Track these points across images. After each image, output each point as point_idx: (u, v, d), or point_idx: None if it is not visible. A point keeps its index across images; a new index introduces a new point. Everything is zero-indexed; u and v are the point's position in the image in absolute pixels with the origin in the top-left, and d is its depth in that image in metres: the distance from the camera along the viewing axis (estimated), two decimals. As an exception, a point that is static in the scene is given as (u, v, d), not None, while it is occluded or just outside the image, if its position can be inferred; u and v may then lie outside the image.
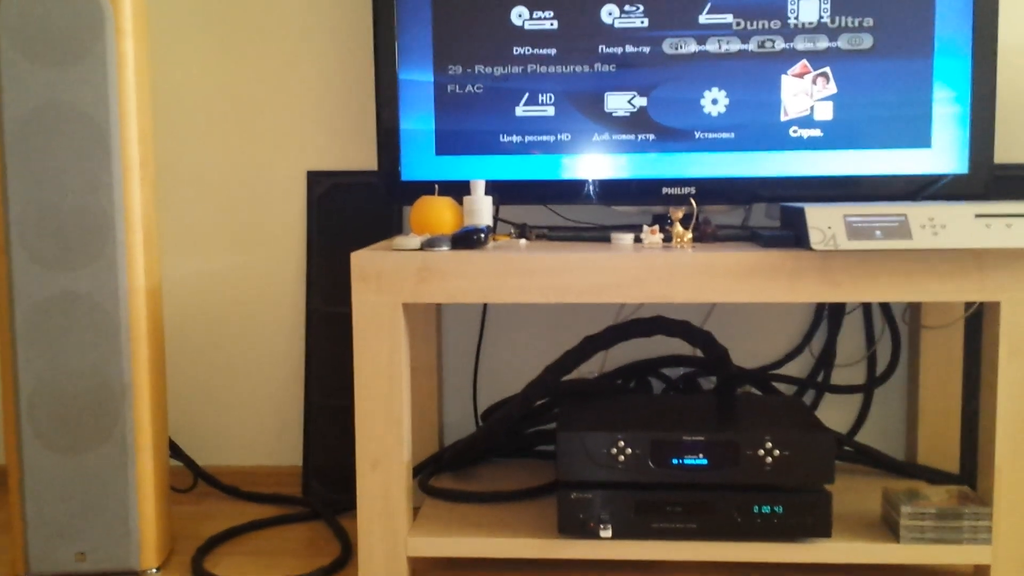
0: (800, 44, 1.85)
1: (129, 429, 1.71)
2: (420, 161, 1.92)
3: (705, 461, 1.66)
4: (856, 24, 1.84)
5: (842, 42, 1.85)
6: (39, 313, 1.69)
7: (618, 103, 1.88)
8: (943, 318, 2.01)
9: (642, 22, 1.86)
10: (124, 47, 1.68)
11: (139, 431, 1.73)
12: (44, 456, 1.71)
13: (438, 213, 1.77)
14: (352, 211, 2.18)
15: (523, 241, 1.83)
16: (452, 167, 1.91)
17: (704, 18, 1.86)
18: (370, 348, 1.66)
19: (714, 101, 1.87)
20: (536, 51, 1.88)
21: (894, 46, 1.84)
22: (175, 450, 2.16)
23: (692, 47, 1.86)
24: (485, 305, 2.19)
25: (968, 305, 1.99)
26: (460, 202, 1.79)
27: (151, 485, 1.75)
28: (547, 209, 2.10)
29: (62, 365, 1.70)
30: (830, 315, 2.11)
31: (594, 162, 1.90)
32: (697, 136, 1.88)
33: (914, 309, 2.07)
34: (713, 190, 1.89)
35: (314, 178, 2.20)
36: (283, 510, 2.12)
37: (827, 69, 1.85)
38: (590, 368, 2.17)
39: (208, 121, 2.22)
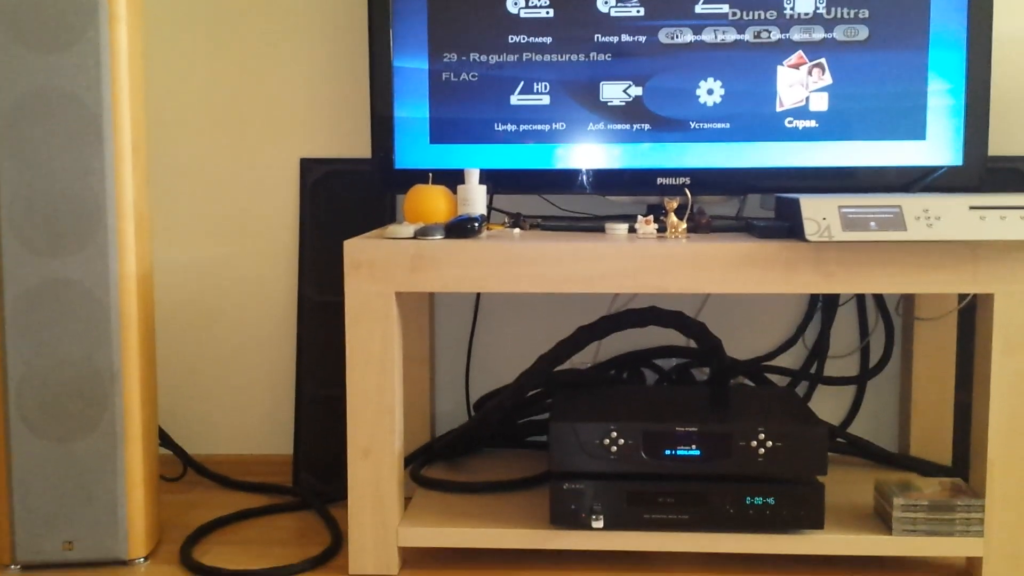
0: (796, 35, 1.85)
1: (118, 417, 1.70)
2: (414, 149, 1.91)
3: (698, 452, 1.66)
4: (852, 15, 1.84)
5: (838, 33, 1.84)
6: (28, 300, 1.67)
7: (613, 92, 1.88)
8: (937, 310, 2.01)
9: (638, 11, 1.85)
10: (117, 33, 1.66)
11: (128, 419, 1.72)
12: (32, 444, 1.70)
13: (432, 202, 1.76)
14: (345, 199, 2.17)
15: (517, 231, 1.83)
16: (446, 155, 1.91)
17: (700, 8, 1.85)
18: (362, 337, 1.65)
19: (709, 91, 1.87)
20: (531, 39, 1.87)
21: (889, 37, 1.84)
22: (164, 438, 2.15)
23: (688, 37, 1.86)
24: (478, 294, 2.18)
25: (962, 297, 1.99)
26: (454, 191, 1.78)
27: (140, 474, 1.74)
28: (541, 199, 2.09)
29: (51, 352, 1.69)
30: (824, 306, 2.11)
31: (589, 151, 1.89)
32: (692, 126, 1.87)
33: (907, 301, 2.07)
34: (708, 180, 1.88)
35: (307, 165, 2.18)
36: (273, 499, 2.11)
37: (823, 60, 1.85)
38: (583, 358, 2.16)
39: (201, 107, 2.21)
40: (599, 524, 1.65)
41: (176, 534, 1.90)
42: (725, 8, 1.85)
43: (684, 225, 1.71)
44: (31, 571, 1.73)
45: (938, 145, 1.85)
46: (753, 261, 1.60)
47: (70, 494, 1.71)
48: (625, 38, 1.86)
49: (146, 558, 1.77)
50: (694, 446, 1.66)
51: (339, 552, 1.81)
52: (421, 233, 1.67)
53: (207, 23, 2.18)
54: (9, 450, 1.69)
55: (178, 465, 2.21)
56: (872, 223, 1.55)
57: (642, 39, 1.86)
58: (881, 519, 1.71)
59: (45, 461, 1.70)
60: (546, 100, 1.88)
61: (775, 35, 1.85)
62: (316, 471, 2.17)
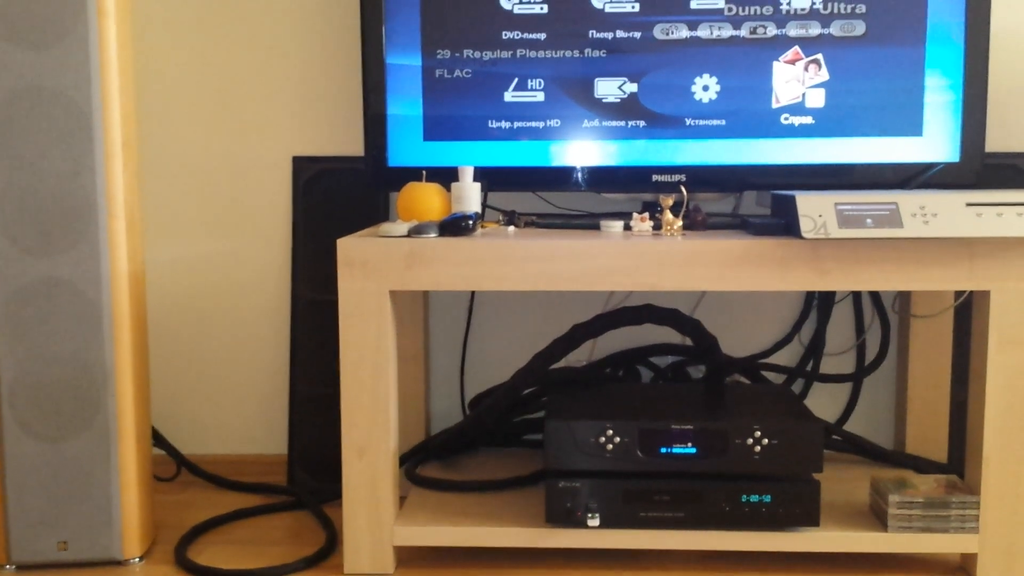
0: (792, 30, 1.84)
1: (111, 417, 1.70)
2: (407, 147, 1.90)
3: (694, 450, 1.65)
4: (848, 11, 1.83)
5: (834, 29, 1.83)
6: (20, 299, 1.66)
7: (608, 89, 1.87)
8: (933, 307, 2.01)
9: (633, 7, 1.85)
10: (106, 28, 1.65)
11: (122, 419, 1.71)
12: (25, 444, 1.69)
13: (426, 199, 1.75)
14: (339, 197, 2.16)
15: (511, 228, 1.82)
16: (440, 153, 1.90)
17: (696, 3, 1.84)
18: (356, 336, 1.64)
19: (705, 88, 1.86)
20: (525, 36, 1.86)
21: (886, 33, 1.83)
22: (158, 438, 2.14)
23: (683, 32, 1.85)
24: (473, 293, 2.17)
25: (958, 294, 1.99)
26: (448, 189, 1.77)
27: (134, 473, 1.73)
28: (536, 196, 2.08)
29: (43, 352, 1.68)
30: (820, 304, 2.11)
31: (583, 149, 1.88)
32: (688, 123, 1.87)
33: (904, 298, 2.06)
34: (703, 177, 1.87)
35: (300, 163, 2.18)
36: (268, 499, 2.10)
37: (819, 56, 1.84)
38: (579, 357, 2.16)
39: (192, 104, 2.19)
40: (595, 522, 1.64)
41: (170, 534, 1.89)
42: (721, 3, 1.84)
43: (680, 222, 1.70)
44: (26, 571, 1.72)
45: (935, 141, 1.85)
46: (749, 258, 1.60)
47: (64, 494, 1.70)
48: (620, 34, 1.86)
49: (141, 558, 1.76)
50: (690, 444, 1.66)
51: (334, 551, 1.80)
52: (415, 231, 1.66)
53: (198, 19, 2.17)
54: (3, 450, 1.69)
55: (172, 465, 2.20)
56: (868, 220, 1.54)
57: (637, 35, 1.85)
58: (877, 516, 1.71)
59: (39, 461, 1.69)
60: (540, 97, 1.88)
61: (771, 31, 1.84)
62: (311, 470, 2.16)
